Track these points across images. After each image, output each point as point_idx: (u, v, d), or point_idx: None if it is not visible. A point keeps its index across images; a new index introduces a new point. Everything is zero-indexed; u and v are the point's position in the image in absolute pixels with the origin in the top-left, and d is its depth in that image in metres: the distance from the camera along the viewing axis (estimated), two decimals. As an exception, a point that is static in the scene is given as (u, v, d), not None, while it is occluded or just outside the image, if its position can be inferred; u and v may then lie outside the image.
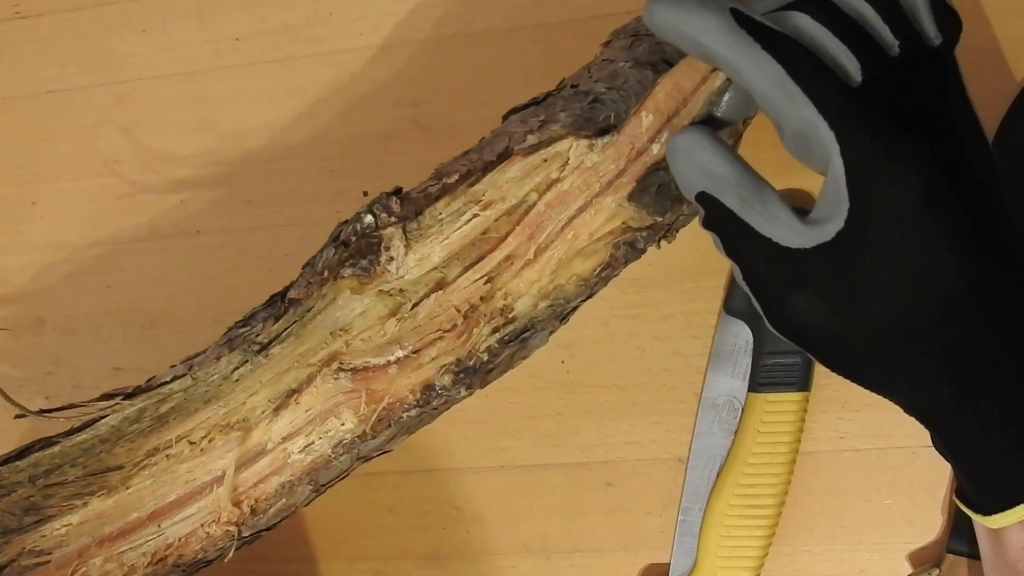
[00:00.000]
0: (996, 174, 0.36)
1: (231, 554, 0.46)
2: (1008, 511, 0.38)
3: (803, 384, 0.56)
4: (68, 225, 0.67)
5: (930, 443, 0.44)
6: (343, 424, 0.46)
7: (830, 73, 0.35)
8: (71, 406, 0.47)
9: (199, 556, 0.47)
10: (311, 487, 0.47)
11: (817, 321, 0.37)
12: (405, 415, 0.46)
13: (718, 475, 0.57)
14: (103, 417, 0.47)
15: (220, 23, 0.65)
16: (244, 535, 0.47)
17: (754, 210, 0.36)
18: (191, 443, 0.48)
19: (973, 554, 0.53)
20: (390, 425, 0.46)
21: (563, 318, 0.47)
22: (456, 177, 0.44)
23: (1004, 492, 0.38)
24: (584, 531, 0.60)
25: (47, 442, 0.48)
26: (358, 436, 0.46)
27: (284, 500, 0.47)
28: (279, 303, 0.46)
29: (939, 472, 0.56)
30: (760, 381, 0.57)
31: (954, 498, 0.42)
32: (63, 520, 0.48)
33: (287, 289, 0.46)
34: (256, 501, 0.47)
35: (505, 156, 0.44)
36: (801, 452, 0.57)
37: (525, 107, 0.46)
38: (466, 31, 0.62)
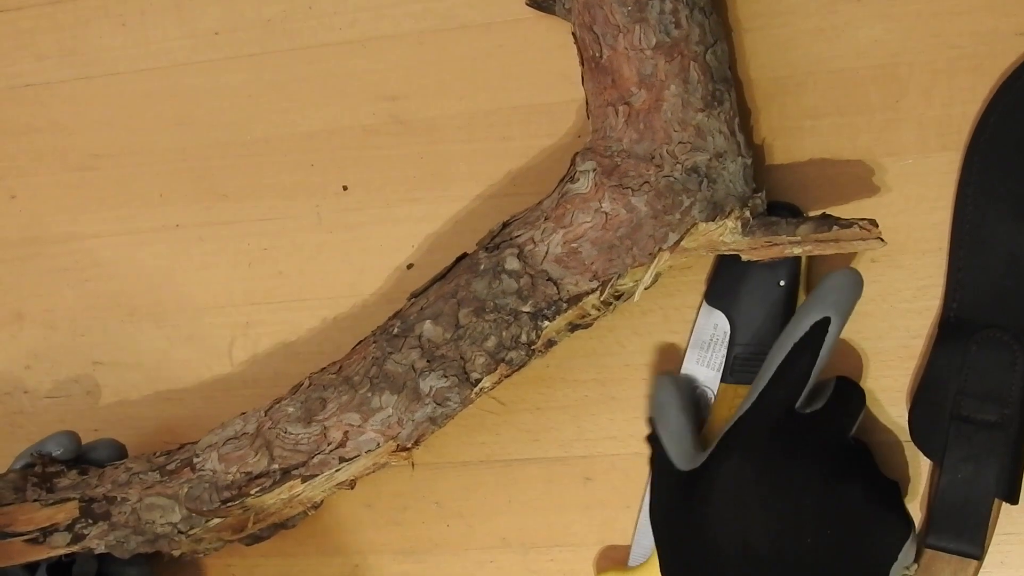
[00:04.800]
0: None
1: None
2: None
3: (777, 377, 0.56)
4: (47, 220, 0.67)
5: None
6: None
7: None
8: None
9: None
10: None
11: (672, 532, 0.54)
12: None
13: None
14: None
15: (198, 17, 0.65)
16: None
17: (671, 444, 0.55)
18: None
19: (950, 549, 0.53)
20: None
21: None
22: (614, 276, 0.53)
23: None
24: (563, 525, 0.60)
25: None
26: None
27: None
28: None
29: (916, 467, 0.56)
30: (732, 372, 0.57)
31: None
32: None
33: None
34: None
35: (655, 255, 0.53)
36: (777, 446, 0.57)
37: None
38: (444, 26, 0.62)
